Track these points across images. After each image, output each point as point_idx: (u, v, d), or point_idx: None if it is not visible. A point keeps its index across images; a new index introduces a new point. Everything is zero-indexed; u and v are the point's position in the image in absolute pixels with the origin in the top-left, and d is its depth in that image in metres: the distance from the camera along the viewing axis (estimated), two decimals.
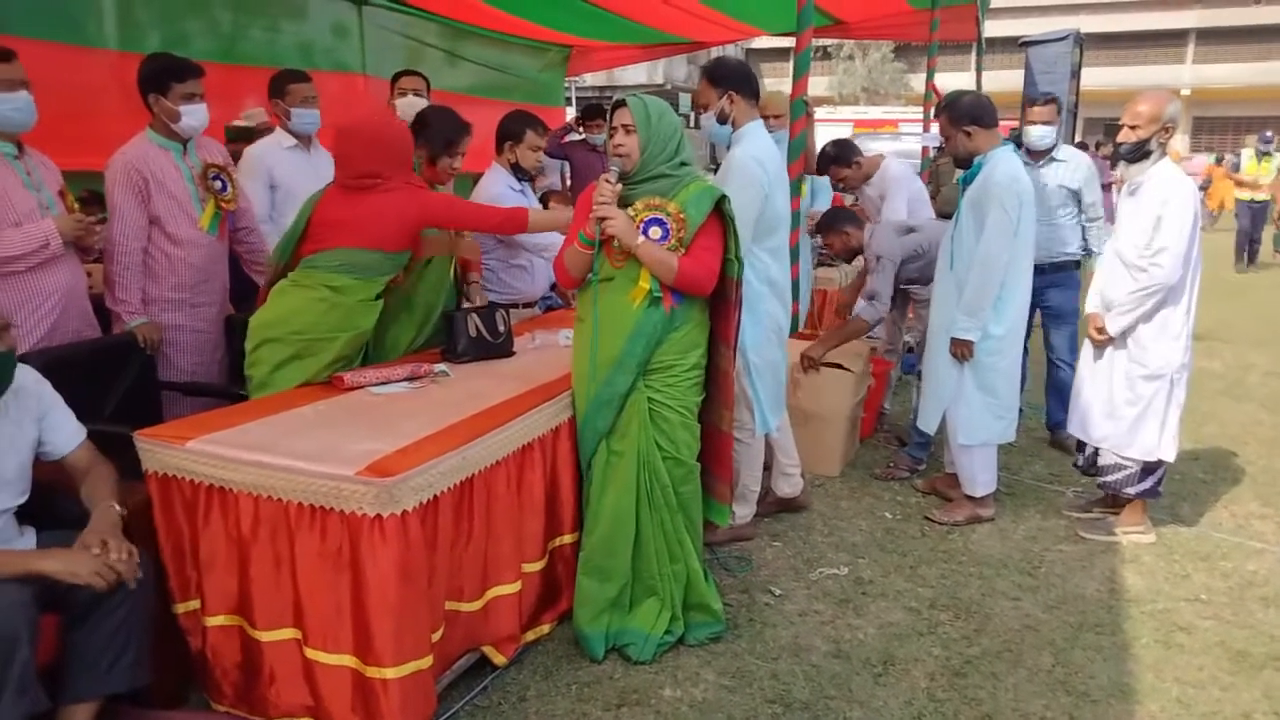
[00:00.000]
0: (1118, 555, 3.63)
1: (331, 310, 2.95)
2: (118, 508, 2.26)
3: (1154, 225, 3.41)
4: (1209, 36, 33.39)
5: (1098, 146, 14.69)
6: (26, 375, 2.32)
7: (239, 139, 4.59)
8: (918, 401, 4.37)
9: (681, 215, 2.72)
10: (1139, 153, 3.45)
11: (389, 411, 2.71)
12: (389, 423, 2.57)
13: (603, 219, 2.70)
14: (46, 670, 2.14)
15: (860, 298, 4.50)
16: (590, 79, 25.97)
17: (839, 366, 4.37)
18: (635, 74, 27.62)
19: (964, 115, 3.61)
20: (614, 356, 2.78)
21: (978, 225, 3.58)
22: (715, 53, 31.98)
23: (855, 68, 31.90)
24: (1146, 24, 33.01)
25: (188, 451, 2.38)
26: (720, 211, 2.80)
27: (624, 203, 2.78)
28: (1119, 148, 3.51)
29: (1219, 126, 32.45)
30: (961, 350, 3.68)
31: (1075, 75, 13.01)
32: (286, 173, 4.06)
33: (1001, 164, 3.54)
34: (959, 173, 4.17)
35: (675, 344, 2.82)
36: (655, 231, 2.72)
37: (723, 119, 3.38)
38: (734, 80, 3.37)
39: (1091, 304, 3.74)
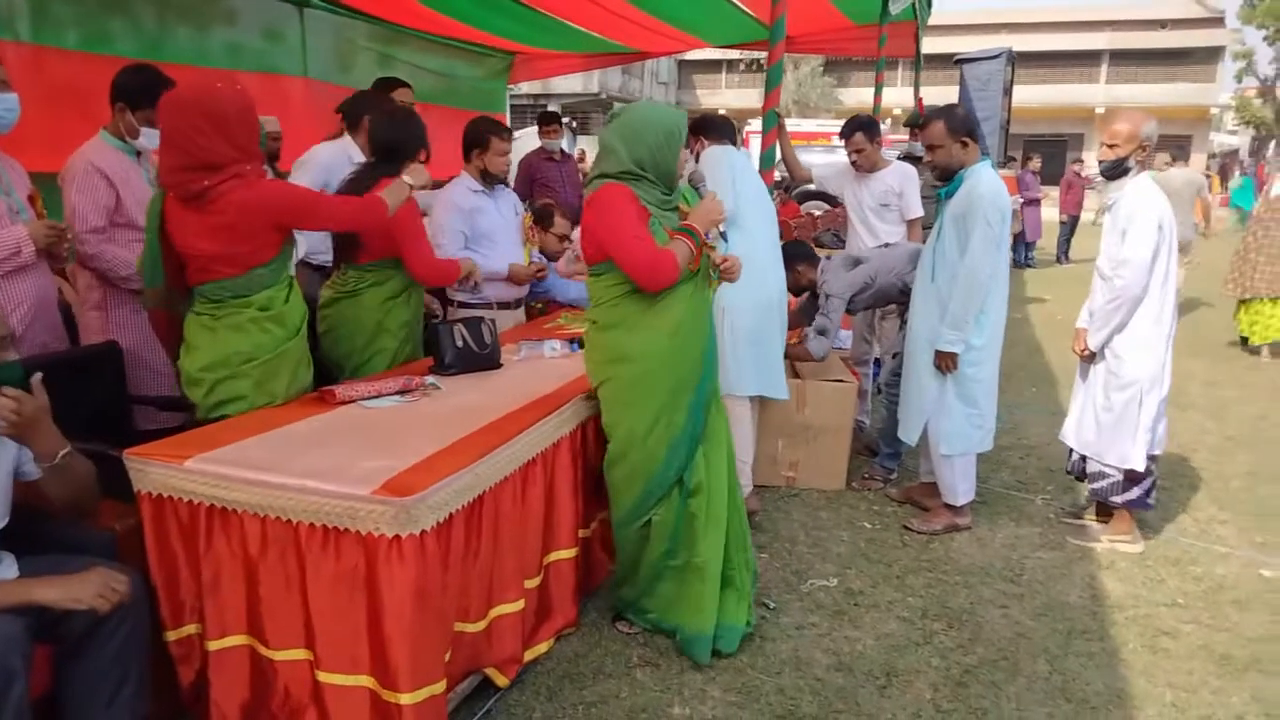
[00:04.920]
0: (1095, 562, 3.72)
1: (269, 328, 2.78)
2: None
3: (1121, 238, 3.56)
4: (1121, 58, 34.86)
5: (1025, 161, 15.19)
6: None
7: None
8: (885, 412, 4.44)
9: None
10: (1117, 170, 3.58)
11: (388, 427, 2.62)
12: (391, 439, 2.49)
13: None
14: (42, 705, 2.02)
15: (811, 330, 4.48)
16: (525, 87, 25.89)
17: (838, 380, 4.40)
18: (570, 83, 27.61)
19: (961, 127, 3.66)
20: (701, 356, 2.84)
21: (960, 238, 3.64)
22: (649, 65, 32.13)
23: (785, 81, 32.41)
24: (1063, 44, 34.30)
25: (186, 471, 2.27)
26: None
27: (668, 208, 2.84)
28: (1100, 164, 3.61)
29: None
30: (946, 362, 3.73)
31: (1007, 93, 13.41)
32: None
33: (984, 178, 3.61)
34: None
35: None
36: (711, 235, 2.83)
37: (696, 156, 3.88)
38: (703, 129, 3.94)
39: (1081, 319, 3.85)
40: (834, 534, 3.95)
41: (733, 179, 3.67)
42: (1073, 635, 3.15)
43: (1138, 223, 3.53)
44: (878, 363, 5.32)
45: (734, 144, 3.97)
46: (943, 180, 3.77)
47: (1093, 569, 3.66)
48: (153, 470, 2.31)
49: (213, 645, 2.33)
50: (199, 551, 2.30)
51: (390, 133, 3.41)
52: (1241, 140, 44.86)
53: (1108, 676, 2.91)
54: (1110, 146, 3.58)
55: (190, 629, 2.38)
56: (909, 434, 4.00)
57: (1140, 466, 3.74)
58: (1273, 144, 38.17)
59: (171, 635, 2.38)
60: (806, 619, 3.22)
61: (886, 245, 4.88)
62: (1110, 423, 3.72)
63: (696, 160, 3.83)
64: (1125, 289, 3.56)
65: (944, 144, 3.69)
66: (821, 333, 4.28)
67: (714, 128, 3.99)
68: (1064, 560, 3.73)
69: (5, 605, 1.91)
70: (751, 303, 3.67)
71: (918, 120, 5.79)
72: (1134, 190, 3.58)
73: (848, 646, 3.05)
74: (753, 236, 3.65)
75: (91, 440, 2.47)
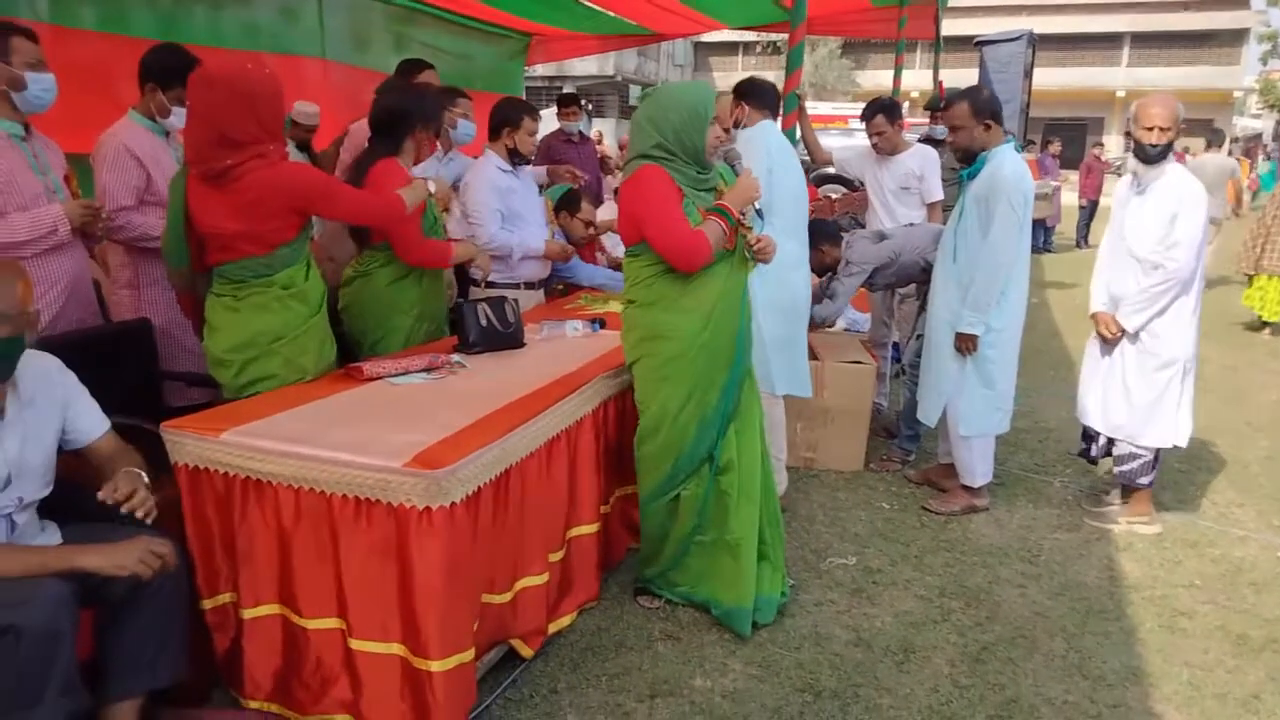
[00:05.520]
0: (1113, 543, 3.74)
1: (293, 306, 2.83)
2: (144, 475, 2.18)
3: (1169, 221, 3.55)
4: (1142, 40, 34.45)
5: (1045, 145, 15.06)
6: (49, 363, 2.24)
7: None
8: (907, 394, 4.45)
9: None
10: (1166, 154, 3.57)
11: (416, 402, 2.67)
12: (421, 414, 2.54)
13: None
14: (85, 669, 2.08)
15: (824, 295, 4.51)
16: (540, 69, 25.84)
17: (857, 362, 4.44)
18: (585, 65, 27.53)
19: (985, 109, 3.67)
20: (736, 336, 2.87)
21: (983, 221, 3.65)
22: (665, 47, 31.93)
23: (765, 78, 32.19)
24: (1084, 27, 33.91)
25: (222, 444, 2.32)
26: None
27: (704, 188, 2.84)
28: (1152, 149, 3.56)
29: None
30: (967, 344, 3.75)
31: (1028, 75, 13.32)
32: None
33: (1008, 161, 3.62)
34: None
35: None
36: (743, 215, 2.82)
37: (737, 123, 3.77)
38: (746, 94, 3.79)
39: (1098, 302, 3.84)
40: (852, 514, 3.98)
41: (769, 169, 3.57)
42: (1090, 615, 3.18)
43: (1189, 206, 3.55)
44: (896, 346, 5.34)
45: (775, 113, 3.87)
46: (964, 162, 3.77)
47: (1110, 550, 3.68)
48: (189, 443, 2.37)
49: (247, 613, 2.39)
50: (234, 522, 2.36)
51: (384, 108, 3.40)
52: (1266, 124, 44.30)
53: (1124, 655, 2.94)
54: (1162, 130, 3.54)
55: (225, 597, 2.45)
56: (928, 415, 4.02)
57: (1185, 442, 3.80)
58: None
59: (207, 603, 2.44)
60: (826, 596, 3.26)
61: (911, 225, 4.89)
62: (1148, 403, 3.73)
63: (737, 126, 3.78)
64: (1178, 271, 3.57)
65: (967, 125, 3.68)
66: (831, 297, 4.31)
67: (757, 93, 3.85)
68: (1081, 541, 3.75)
69: (52, 571, 1.97)
70: (778, 305, 3.64)
71: (938, 103, 5.77)
72: (1174, 174, 3.60)
73: (866, 623, 3.09)
74: (783, 234, 3.53)
75: (124, 414, 2.54)
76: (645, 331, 2.87)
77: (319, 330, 2.90)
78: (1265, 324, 8.22)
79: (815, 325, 4.45)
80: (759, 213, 2.81)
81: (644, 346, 2.88)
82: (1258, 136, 41.64)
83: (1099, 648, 2.98)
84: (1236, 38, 34.29)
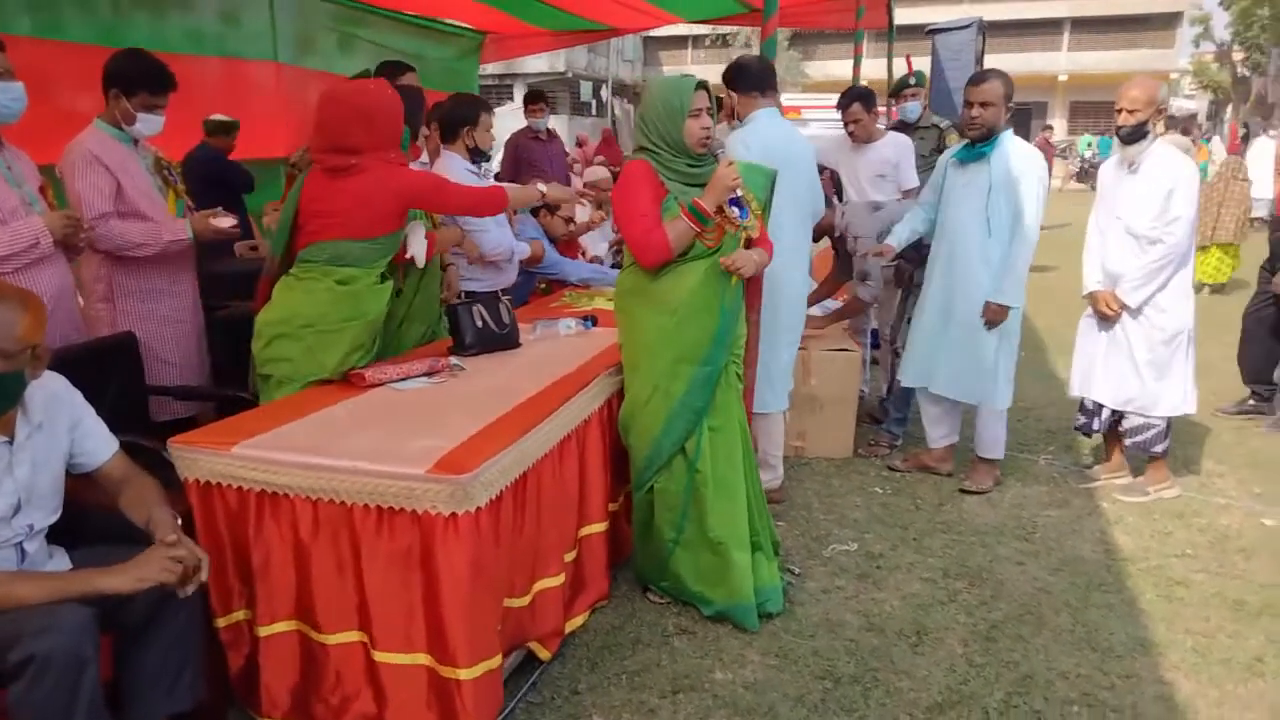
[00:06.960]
0: (1103, 517, 3.82)
1: (339, 301, 2.85)
2: (173, 514, 2.13)
3: (1165, 198, 3.65)
4: (1082, 26, 35.13)
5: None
6: (57, 383, 2.18)
7: (217, 133, 4.41)
8: (894, 378, 4.49)
9: (749, 195, 2.80)
10: (1138, 134, 3.66)
11: (423, 407, 2.63)
12: (432, 419, 2.51)
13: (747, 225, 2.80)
14: (104, 692, 2.02)
15: (855, 280, 4.53)
16: (491, 67, 25.55)
17: (843, 349, 4.47)
18: (536, 62, 27.34)
19: (1011, 90, 3.78)
20: (712, 334, 2.84)
21: (1013, 200, 3.75)
22: (614, 43, 31.86)
23: (750, 55, 32.28)
24: (1025, 13, 34.47)
25: (233, 457, 2.27)
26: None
27: (698, 182, 2.82)
28: (1119, 129, 3.69)
29: (1094, 110, 34.15)
30: (999, 316, 3.83)
31: (979, 62, 13.50)
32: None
33: (1020, 142, 3.82)
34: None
35: (741, 317, 2.99)
36: (734, 211, 2.75)
37: (732, 114, 3.75)
38: (732, 79, 3.69)
39: (1093, 281, 3.92)
40: (848, 500, 4.02)
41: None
42: (1091, 588, 3.24)
43: (1183, 182, 3.66)
44: (874, 333, 5.38)
45: (767, 90, 3.63)
46: (980, 140, 3.79)
47: (1102, 524, 3.76)
48: (200, 458, 2.31)
49: (263, 630, 2.33)
50: (248, 537, 2.30)
51: None
52: (1200, 105, 45.43)
53: (1129, 626, 3.00)
54: (1130, 112, 3.66)
55: (240, 615, 2.39)
56: (980, 395, 3.95)
57: (1194, 409, 3.92)
58: (1229, 107, 38.72)
59: (221, 621, 2.38)
60: (833, 583, 3.28)
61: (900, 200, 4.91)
62: (1158, 375, 3.83)
63: (733, 117, 3.72)
64: (1177, 245, 3.68)
65: (997, 104, 3.75)
66: (864, 279, 4.35)
67: (743, 76, 3.65)
68: (1073, 517, 3.82)
69: (73, 596, 1.91)
70: (769, 332, 3.53)
71: (906, 82, 5.75)
72: (1162, 152, 3.71)
73: (876, 607, 3.11)
74: (779, 251, 3.37)
75: (115, 432, 2.46)
76: (623, 318, 2.97)
77: (355, 336, 2.88)
78: (1204, 284, 8.93)
79: (865, 305, 4.63)
80: (737, 203, 2.77)
81: (623, 334, 2.98)
82: (1192, 117, 42.75)
83: (1104, 620, 3.04)
84: (1171, 21, 35.10)
